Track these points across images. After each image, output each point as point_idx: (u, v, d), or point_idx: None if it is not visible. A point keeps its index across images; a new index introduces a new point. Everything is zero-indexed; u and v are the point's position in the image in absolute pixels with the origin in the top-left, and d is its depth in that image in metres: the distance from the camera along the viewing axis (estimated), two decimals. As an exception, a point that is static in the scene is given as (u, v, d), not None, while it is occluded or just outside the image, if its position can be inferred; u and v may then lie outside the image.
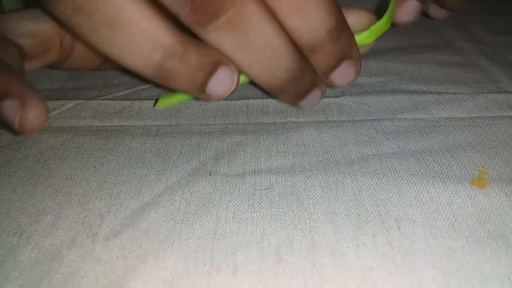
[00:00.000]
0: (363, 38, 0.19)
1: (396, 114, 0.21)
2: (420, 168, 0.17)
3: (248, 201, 0.16)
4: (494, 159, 0.17)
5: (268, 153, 0.18)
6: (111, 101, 0.23)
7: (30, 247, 0.14)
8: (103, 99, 0.23)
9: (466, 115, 0.20)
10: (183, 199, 0.16)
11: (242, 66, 0.18)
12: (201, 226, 0.15)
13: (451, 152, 0.18)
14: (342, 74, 0.19)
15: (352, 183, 0.16)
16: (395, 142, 0.19)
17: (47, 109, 0.18)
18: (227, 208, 0.16)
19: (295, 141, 0.19)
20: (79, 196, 0.16)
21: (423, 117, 0.20)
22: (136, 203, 0.16)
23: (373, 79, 0.24)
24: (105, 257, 0.14)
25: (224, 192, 0.16)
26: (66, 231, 0.15)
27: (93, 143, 0.19)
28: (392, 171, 0.17)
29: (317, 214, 0.15)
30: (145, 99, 0.23)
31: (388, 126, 0.20)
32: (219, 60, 0.18)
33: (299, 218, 0.15)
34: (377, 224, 0.15)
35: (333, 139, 0.19)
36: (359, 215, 0.15)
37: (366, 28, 0.19)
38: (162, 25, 0.16)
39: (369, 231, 0.14)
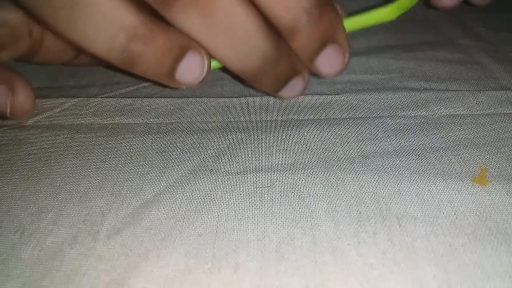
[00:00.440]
0: (386, 13, 0.17)
1: (397, 112, 0.21)
2: (421, 166, 0.17)
3: (249, 198, 0.16)
4: (495, 156, 0.17)
5: (269, 150, 0.18)
6: (112, 99, 0.23)
7: (31, 245, 0.14)
8: (104, 97, 0.23)
9: (467, 113, 0.20)
10: (184, 196, 0.16)
11: (211, 50, 0.17)
12: (202, 224, 0.15)
13: (452, 150, 0.18)
14: (327, 60, 0.17)
15: (353, 181, 0.16)
16: (396, 140, 0.19)
17: (33, 92, 0.18)
18: (228, 206, 0.16)
19: (296, 138, 0.19)
20: (80, 194, 0.16)
21: (424, 114, 0.20)
22: (137, 201, 0.16)
23: (374, 76, 0.24)
24: (106, 254, 0.14)
25: (225, 189, 0.16)
26: (67, 229, 0.15)
27: (95, 141, 0.19)
28: (393, 168, 0.17)
29: (318, 211, 0.15)
30: (146, 97, 0.23)
31: (389, 124, 0.20)
32: (187, 44, 0.17)
33: (300, 216, 0.15)
34: (378, 222, 0.15)
35: (334, 137, 0.19)
36: (360, 213, 0.15)
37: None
38: (125, 6, 0.15)
39: (370, 228, 0.14)
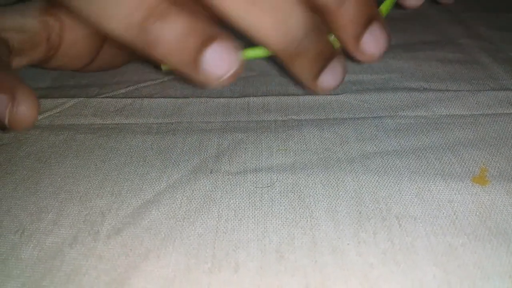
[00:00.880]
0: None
1: (397, 112, 0.21)
2: (421, 166, 0.17)
3: (249, 198, 0.16)
4: (495, 156, 0.17)
5: (269, 150, 0.18)
6: (112, 99, 0.23)
7: (32, 245, 0.14)
8: (104, 97, 0.23)
9: (467, 113, 0.20)
10: (185, 197, 0.16)
11: (249, 22, 0.15)
12: (202, 224, 0.15)
13: (452, 150, 0.18)
14: (374, 38, 0.16)
15: (353, 181, 0.16)
16: (396, 140, 0.19)
17: (38, 104, 0.17)
18: (228, 206, 0.16)
19: (296, 138, 0.19)
20: (80, 194, 0.16)
21: (424, 114, 0.20)
22: (137, 201, 0.16)
23: (374, 76, 0.24)
24: (106, 254, 0.14)
25: (225, 190, 0.16)
26: (67, 229, 0.15)
27: (95, 141, 0.19)
28: (393, 168, 0.17)
29: (318, 211, 0.15)
30: (146, 97, 0.23)
31: (389, 124, 0.20)
32: (215, 33, 0.15)
33: (300, 216, 0.15)
34: (378, 222, 0.15)
35: (334, 137, 0.19)
36: (360, 213, 0.15)
37: None
38: None
39: (370, 228, 0.14)
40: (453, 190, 0.16)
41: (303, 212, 0.15)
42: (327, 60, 0.17)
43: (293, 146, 0.19)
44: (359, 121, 0.20)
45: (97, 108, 0.22)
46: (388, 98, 0.22)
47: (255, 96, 0.22)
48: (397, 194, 0.16)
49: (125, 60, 0.26)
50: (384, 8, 0.18)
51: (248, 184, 0.17)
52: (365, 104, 0.21)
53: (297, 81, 0.18)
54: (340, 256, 0.13)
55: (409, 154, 0.18)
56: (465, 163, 0.17)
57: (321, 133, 0.19)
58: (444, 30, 0.31)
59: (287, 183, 0.17)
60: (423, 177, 0.16)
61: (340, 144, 0.19)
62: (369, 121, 0.20)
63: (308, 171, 0.17)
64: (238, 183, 0.17)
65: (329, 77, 0.17)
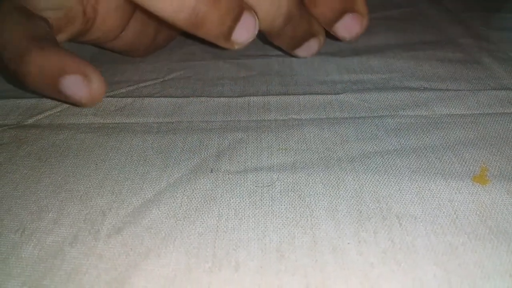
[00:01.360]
0: None
1: (398, 111, 0.21)
2: (422, 165, 0.17)
3: (250, 198, 0.16)
4: (496, 156, 0.17)
5: (270, 150, 0.18)
6: (112, 98, 0.23)
7: (32, 244, 0.14)
8: (104, 97, 0.23)
9: (467, 112, 0.20)
10: (185, 196, 0.16)
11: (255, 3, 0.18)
12: (202, 223, 0.15)
13: (453, 149, 0.18)
14: (344, 27, 0.19)
15: (354, 180, 0.16)
16: (397, 139, 0.19)
17: (104, 79, 0.19)
18: (228, 205, 0.16)
19: (296, 138, 0.19)
20: (81, 193, 0.16)
21: (424, 114, 0.20)
22: (138, 200, 0.16)
23: (374, 76, 0.24)
24: (107, 254, 0.14)
25: (225, 189, 0.16)
26: (68, 228, 0.15)
27: (95, 140, 0.19)
28: (394, 168, 0.17)
29: (318, 211, 0.15)
30: (147, 96, 0.23)
31: (390, 123, 0.20)
32: (242, 4, 0.18)
33: (300, 215, 0.15)
34: (379, 221, 0.15)
35: (335, 136, 0.19)
36: (360, 212, 0.15)
37: None
38: None
39: (370, 227, 0.14)
40: (453, 190, 0.16)
41: (303, 211, 0.15)
42: (304, 40, 0.21)
43: (293, 145, 0.19)
44: (359, 121, 0.20)
45: (97, 108, 0.22)
46: (389, 98, 0.22)
47: (255, 96, 0.23)
48: (397, 193, 0.16)
49: (150, 37, 0.27)
50: None
51: (248, 183, 0.17)
52: (365, 104, 0.21)
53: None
54: (340, 256, 0.13)
55: (409, 154, 0.18)
56: (465, 163, 0.17)
57: (322, 133, 0.19)
58: (444, 30, 0.31)
59: (288, 182, 0.17)
60: (423, 176, 0.16)
61: (341, 144, 0.19)
62: (370, 121, 0.20)
63: (309, 170, 0.17)
64: (239, 182, 0.17)
65: (304, 51, 0.22)
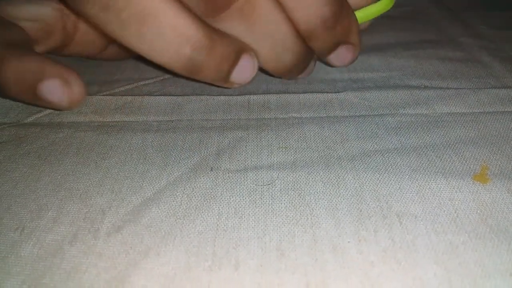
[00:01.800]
0: (385, 4, 0.20)
1: (398, 110, 0.21)
2: (422, 164, 0.17)
3: (250, 196, 0.16)
4: (496, 154, 0.17)
5: (270, 148, 0.18)
6: (112, 96, 0.23)
7: (32, 243, 0.14)
8: (104, 95, 0.23)
9: (468, 111, 0.20)
10: (185, 194, 0.16)
11: (258, 50, 0.19)
12: (202, 222, 0.15)
13: (453, 148, 0.18)
14: (338, 58, 0.20)
15: (354, 179, 0.16)
16: (397, 138, 0.19)
17: (83, 82, 0.19)
18: (228, 204, 0.16)
19: (296, 136, 0.19)
20: (80, 191, 0.16)
21: (425, 112, 0.20)
22: (137, 199, 0.16)
23: (375, 74, 0.24)
24: (107, 252, 0.14)
25: (225, 187, 0.16)
26: (67, 227, 0.15)
27: (94, 138, 0.19)
28: (394, 166, 0.17)
29: (318, 209, 0.15)
30: (146, 95, 0.23)
31: (390, 122, 0.20)
32: (241, 48, 0.18)
33: (300, 214, 0.15)
34: (379, 220, 0.15)
35: (335, 135, 0.19)
36: (360, 211, 0.15)
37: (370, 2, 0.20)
38: (189, 20, 0.16)
39: (371, 226, 0.14)
40: (454, 188, 0.16)
41: (303, 210, 0.15)
42: (306, 67, 0.21)
43: (293, 144, 0.19)
44: (359, 119, 0.20)
45: (97, 106, 0.22)
46: (389, 96, 0.22)
47: (255, 94, 0.22)
48: (397, 192, 0.16)
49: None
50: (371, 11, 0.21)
51: (248, 182, 0.17)
52: (365, 102, 0.21)
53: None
54: (340, 254, 0.13)
55: (410, 152, 0.18)
56: (466, 161, 0.17)
57: (322, 131, 0.19)
58: (444, 28, 0.31)
59: (288, 181, 0.16)
60: (424, 175, 0.16)
61: (341, 142, 0.19)
62: (370, 119, 0.20)
63: (309, 169, 0.17)
64: (239, 180, 0.17)
65: (305, 75, 0.22)
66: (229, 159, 0.18)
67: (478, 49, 0.27)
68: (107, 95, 0.23)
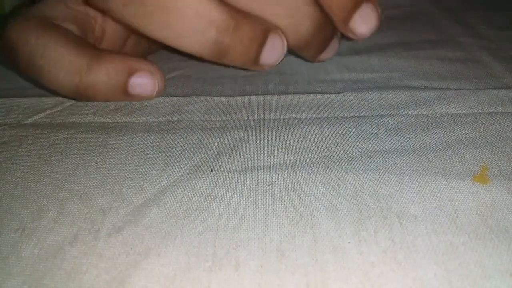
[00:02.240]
0: None
1: (398, 110, 0.21)
2: (422, 164, 0.17)
3: (250, 197, 0.16)
4: (496, 155, 0.17)
5: (270, 149, 0.18)
6: (112, 97, 0.23)
7: (32, 243, 0.14)
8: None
9: (468, 111, 0.20)
10: (185, 195, 0.16)
11: (274, 22, 0.18)
12: (203, 222, 0.15)
13: (453, 148, 0.18)
14: (363, 19, 0.18)
15: (354, 179, 0.16)
16: (397, 138, 0.19)
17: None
18: (229, 204, 0.16)
19: (296, 137, 0.19)
20: (81, 192, 0.16)
21: (425, 113, 0.20)
22: (138, 199, 0.16)
23: (375, 75, 0.24)
24: (107, 253, 0.14)
25: (226, 188, 0.16)
26: (68, 227, 0.15)
27: (95, 139, 0.19)
28: (394, 167, 0.17)
29: (318, 210, 0.15)
30: (147, 95, 0.23)
31: (390, 122, 0.20)
32: (268, 27, 0.18)
33: (301, 214, 0.15)
34: (379, 220, 0.15)
35: (335, 135, 0.19)
36: (361, 211, 0.15)
37: None
38: (211, 2, 0.16)
39: (371, 227, 0.14)
40: (454, 189, 0.16)
41: (303, 211, 0.15)
42: (328, 43, 0.20)
43: (293, 144, 0.19)
44: (359, 120, 0.20)
45: (97, 107, 0.22)
46: (389, 97, 0.22)
47: (255, 95, 0.22)
48: (398, 192, 0.16)
49: (146, 48, 0.26)
50: None
51: (248, 183, 0.17)
52: (365, 103, 0.21)
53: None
54: (340, 255, 0.13)
55: (410, 153, 0.18)
56: (466, 162, 0.17)
57: (322, 132, 0.19)
58: (445, 28, 0.31)
59: (288, 182, 0.17)
60: (424, 176, 0.16)
61: (341, 143, 0.19)
62: (370, 120, 0.20)
63: (309, 169, 0.17)
64: (239, 181, 0.17)
65: (328, 54, 0.22)
66: (229, 159, 0.18)
67: (478, 49, 0.27)
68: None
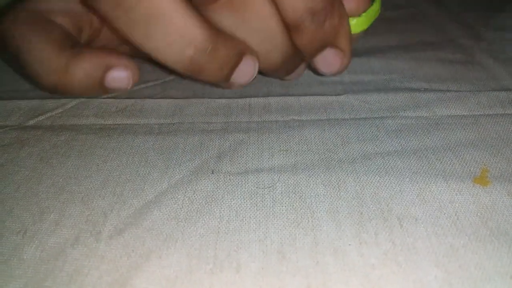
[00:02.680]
0: (355, 25, 0.19)
1: (398, 112, 0.21)
2: (423, 166, 0.17)
3: (251, 199, 0.16)
4: (496, 157, 0.17)
5: (271, 151, 0.18)
6: (113, 99, 0.23)
7: (34, 246, 0.14)
8: (105, 98, 0.23)
9: (468, 113, 0.20)
10: (186, 197, 0.16)
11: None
12: (204, 225, 0.15)
13: (453, 150, 0.18)
14: (324, 62, 0.19)
15: (355, 181, 0.17)
16: (397, 140, 0.19)
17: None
18: (230, 207, 0.16)
19: (297, 139, 0.19)
20: (82, 194, 0.16)
21: (425, 115, 0.20)
22: (139, 202, 0.16)
23: (375, 77, 0.24)
24: (108, 255, 0.14)
25: (226, 190, 0.16)
26: (69, 230, 0.15)
27: (96, 141, 0.19)
28: (395, 169, 0.17)
29: (319, 212, 0.15)
30: (147, 97, 0.23)
31: (390, 124, 0.20)
32: (243, 50, 0.18)
33: (301, 216, 0.15)
34: (380, 222, 0.15)
35: (336, 137, 0.19)
36: (361, 213, 0.15)
37: (360, 14, 0.19)
38: (195, 22, 0.17)
39: (371, 229, 0.14)
40: (454, 191, 0.16)
41: (304, 213, 0.15)
42: (295, 68, 0.21)
43: (294, 146, 0.19)
44: (360, 122, 0.20)
45: (98, 109, 0.22)
46: (389, 99, 0.22)
47: (256, 97, 0.23)
48: (398, 194, 0.16)
49: None
50: (368, 15, 0.19)
51: (249, 185, 0.17)
52: (366, 105, 0.21)
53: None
54: (341, 257, 0.13)
55: (410, 155, 0.18)
56: (466, 164, 0.17)
57: (322, 134, 0.19)
58: (445, 30, 0.31)
59: (289, 184, 0.17)
60: (424, 178, 0.16)
61: (341, 145, 0.19)
62: (370, 122, 0.20)
63: (310, 171, 0.17)
64: (240, 183, 0.17)
65: (293, 77, 0.22)
66: (230, 162, 0.18)
67: (478, 51, 0.27)
68: (108, 98, 0.23)
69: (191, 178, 0.17)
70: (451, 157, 0.17)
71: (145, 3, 0.16)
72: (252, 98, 0.22)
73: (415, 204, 0.15)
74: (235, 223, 0.15)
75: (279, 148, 0.19)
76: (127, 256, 0.14)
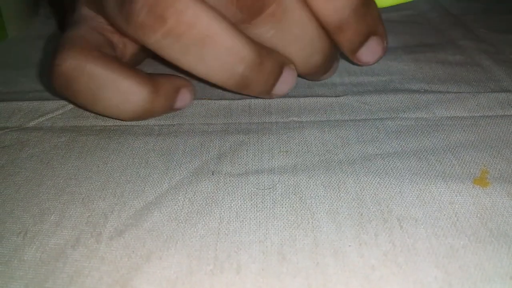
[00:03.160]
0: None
1: (398, 113, 0.21)
2: (422, 167, 0.17)
3: (251, 200, 0.16)
4: (496, 158, 0.17)
5: (271, 152, 0.18)
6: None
7: (34, 247, 0.14)
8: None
9: (468, 114, 0.20)
10: (186, 198, 0.16)
11: (289, 56, 0.19)
12: (204, 226, 0.15)
13: (453, 152, 0.18)
14: (370, 51, 0.20)
15: (355, 183, 0.17)
16: (397, 141, 0.19)
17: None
18: (230, 208, 0.16)
19: (297, 140, 0.19)
20: (82, 195, 0.16)
21: (425, 116, 0.20)
22: (139, 203, 0.16)
23: (375, 78, 0.24)
24: (109, 256, 0.14)
25: (227, 191, 0.16)
26: (70, 231, 0.15)
27: (96, 142, 0.20)
28: (395, 170, 0.17)
29: (319, 213, 0.15)
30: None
31: (390, 125, 0.20)
32: (283, 61, 0.19)
33: (301, 218, 0.15)
34: (380, 223, 0.15)
35: (335, 139, 0.19)
36: (361, 214, 0.15)
37: None
38: (244, 41, 0.17)
39: (371, 230, 0.14)
40: (454, 192, 0.16)
41: (304, 214, 0.15)
42: (331, 67, 0.22)
43: (294, 147, 0.19)
44: (360, 123, 0.20)
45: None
46: (389, 100, 0.22)
47: (256, 98, 0.23)
48: (398, 195, 0.16)
49: (143, 58, 0.27)
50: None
51: (249, 186, 0.17)
52: (366, 106, 0.22)
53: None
54: (341, 258, 0.14)
55: (410, 156, 0.18)
56: (466, 165, 0.17)
57: (322, 135, 0.19)
58: (444, 32, 0.31)
59: (289, 185, 0.17)
60: (424, 179, 0.16)
61: (341, 146, 0.19)
62: (370, 123, 0.20)
63: (310, 172, 0.17)
64: (240, 184, 0.17)
65: (329, 75, 0.23)
66: (230, 163, 0.18)
67: (478, 52, 0.27)
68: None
69: (191, 179, 0.17)
70: (451, 158, 0.18)
71: (195, 28, 0.16)
72: (252, 100, 0.22)
73: (415, 205, 0.15)
74: (235, 224, 0.15)
75: (279, 149, 0.19)
76: (128, 257, 0.14)
